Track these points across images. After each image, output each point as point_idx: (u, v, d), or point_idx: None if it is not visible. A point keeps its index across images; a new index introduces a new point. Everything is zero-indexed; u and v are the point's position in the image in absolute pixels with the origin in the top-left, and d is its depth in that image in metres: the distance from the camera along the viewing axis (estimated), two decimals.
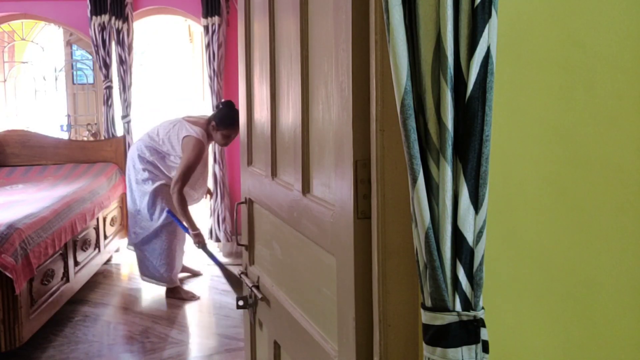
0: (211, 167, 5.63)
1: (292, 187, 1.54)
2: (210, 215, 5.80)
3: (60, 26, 6.29)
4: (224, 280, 4.93)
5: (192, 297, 4.67)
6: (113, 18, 5.61)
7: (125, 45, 5.69)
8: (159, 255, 4.57)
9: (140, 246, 4.62)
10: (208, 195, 5.26)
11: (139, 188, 4.55)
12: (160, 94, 9.12)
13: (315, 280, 1.44)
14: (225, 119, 4.38)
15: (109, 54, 5.69)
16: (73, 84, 6.73)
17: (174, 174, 4.36)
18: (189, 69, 7.05)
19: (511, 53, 1.13)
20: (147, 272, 4.64)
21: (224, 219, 5.73)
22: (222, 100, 4.81)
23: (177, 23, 6.87)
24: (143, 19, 6.11)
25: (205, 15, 5.58)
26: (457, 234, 0.92)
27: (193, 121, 4.49)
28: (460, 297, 0.92)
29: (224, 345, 3.83)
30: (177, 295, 4.66)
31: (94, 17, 5.60)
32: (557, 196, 1.19)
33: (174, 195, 4.31)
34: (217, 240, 5.77)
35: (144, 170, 4.52)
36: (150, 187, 4.50)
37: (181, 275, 4.93)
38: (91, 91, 6.59)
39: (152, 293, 4.78)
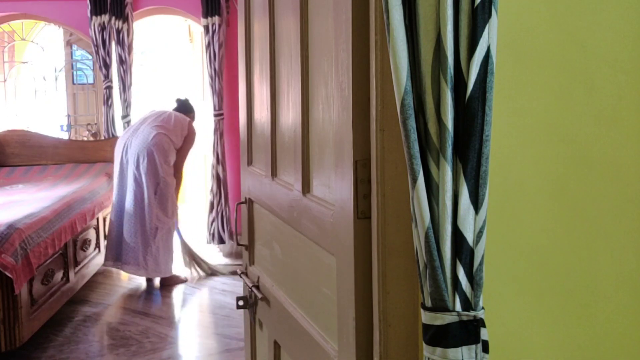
0: (213, 167, 5.63)
1: (292, 187, 1.54)
2: (214, 217, 5.75)
3: (60, 26, 6.29)
4: (223, 280, 4.99)
5: (185, 279, 5.02)
6: (113, 18, 5.61)
7: (125, 45, 5.69)
8: (164, 250, 4.82)
9: (146, 245, 4.72)
10: None
11: (148, 180, 4.77)
12: (161, 94, 9.11)
13: (315, 280, 1.44)
14: (192, 109, 5.17)
15: (109, 54, 5.68)
16: (73, 84, 6.74)
17: (178, 160, 4.77)
18: (189, 69, 7.05)
19: (511, 53, 1.13)
20: (150, 270, 4.77)
21: (227, 220, 5.68)
22: (177, 97, 5.32)
23: (177, 23, 6.86)
24: (143, 19, 6.11)
25: (205, 15, 5.58)
26: (457, 234, 0.92)
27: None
28: (460, 297, 0.92)
29: (224, 345, 3.83)
30: (172, 281, 4.94)
31: (94, 17, 5.60)
32: (557, 196, 1.19)
33: (177, 180, 4.74)
34: (221, 242, 5.70)
35: (161, 162, 4.76)
36: (160, 178, 4.77)
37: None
38: (91, 91, 6.59)
39: (152, 293, 4.78)
